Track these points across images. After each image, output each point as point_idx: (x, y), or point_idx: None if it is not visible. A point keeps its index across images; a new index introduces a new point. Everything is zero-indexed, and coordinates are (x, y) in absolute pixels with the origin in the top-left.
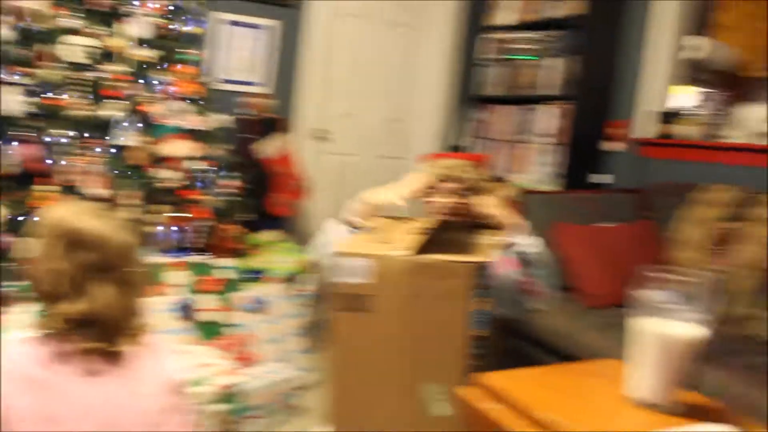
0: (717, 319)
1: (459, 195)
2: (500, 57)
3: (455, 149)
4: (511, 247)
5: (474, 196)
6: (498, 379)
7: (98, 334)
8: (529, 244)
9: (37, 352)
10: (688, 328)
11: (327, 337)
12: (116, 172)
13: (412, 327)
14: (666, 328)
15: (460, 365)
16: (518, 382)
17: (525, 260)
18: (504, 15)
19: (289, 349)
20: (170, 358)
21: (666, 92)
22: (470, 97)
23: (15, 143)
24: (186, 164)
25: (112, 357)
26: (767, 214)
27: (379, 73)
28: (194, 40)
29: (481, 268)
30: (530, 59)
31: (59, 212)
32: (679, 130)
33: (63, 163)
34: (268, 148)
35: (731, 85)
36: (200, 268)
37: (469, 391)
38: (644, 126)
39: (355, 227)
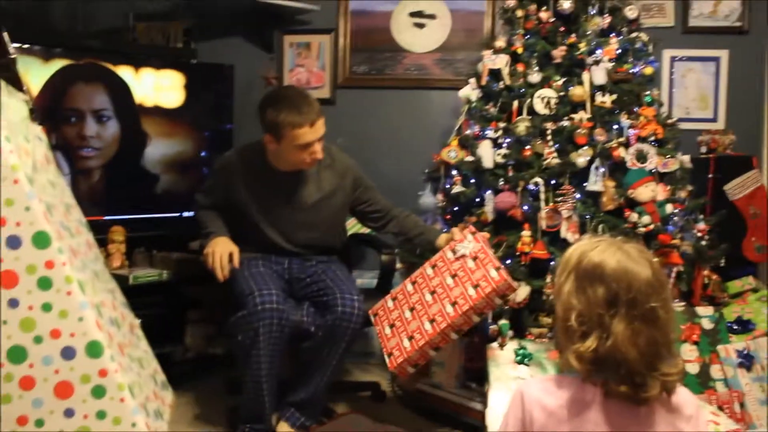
0: None
1: None
2: None
3: None
4: None
5: None
6: None
7: (621, 377)
8: None
9: (560, 394)
10: None
11: None
12: (588, 216)
13: None
14: None
15: None
16: None
17: None
18: None
19: None
20: (699, 417)
21: None
22: None
23: (490, 192)
24: (657, 208)
25: (636, 406)
26: None
27: None
28: (647, 81)
29: None
30: None
31: (581, 248)
32: None
33: (537, 209)
34: (738, 187)
35: None
36: (677, 316)
37: None
38: None
39: None
